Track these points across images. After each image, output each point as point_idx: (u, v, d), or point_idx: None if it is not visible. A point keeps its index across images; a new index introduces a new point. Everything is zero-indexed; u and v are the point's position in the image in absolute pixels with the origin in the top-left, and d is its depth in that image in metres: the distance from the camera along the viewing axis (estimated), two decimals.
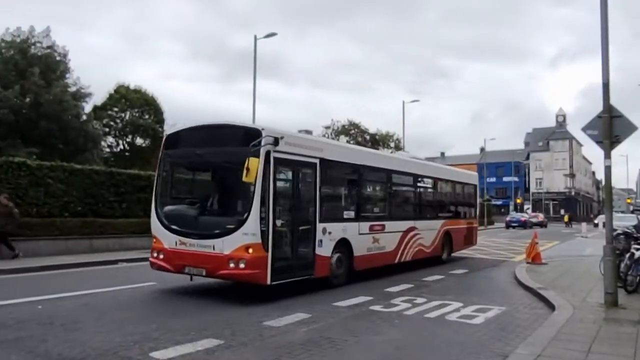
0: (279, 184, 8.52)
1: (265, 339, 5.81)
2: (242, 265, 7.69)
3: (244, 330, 6.18)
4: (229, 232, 7.83)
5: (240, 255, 7.70)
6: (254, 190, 7.74)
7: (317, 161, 9.20)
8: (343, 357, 5.27)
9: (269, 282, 7.88)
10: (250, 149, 7.65)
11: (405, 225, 12.66)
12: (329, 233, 9.43)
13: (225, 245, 7.81)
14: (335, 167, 9.91)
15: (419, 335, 6.38)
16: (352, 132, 54.78)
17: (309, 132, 13.22)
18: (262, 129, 8.02)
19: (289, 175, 8.68)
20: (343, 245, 9.97)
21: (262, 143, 7.85)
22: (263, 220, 7.81)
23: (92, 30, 58.95)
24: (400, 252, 12.31)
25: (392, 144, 54.54)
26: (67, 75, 31.92)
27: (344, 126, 54.29)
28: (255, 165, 7.57)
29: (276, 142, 8.03)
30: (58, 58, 31.42)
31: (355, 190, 10.77)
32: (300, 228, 8.80)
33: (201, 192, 9.57)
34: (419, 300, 8.50)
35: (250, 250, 7.70)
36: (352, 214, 10.46)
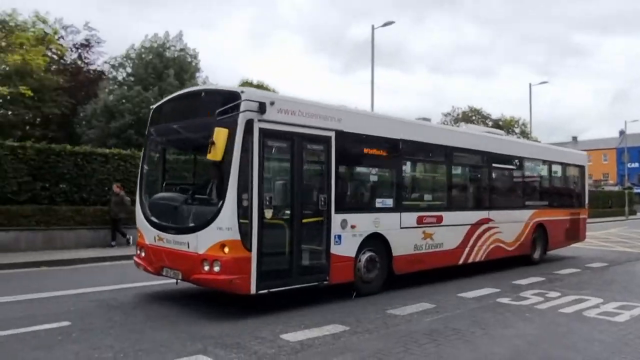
0: (270, 163, 6.62)
1: (390, 327, 5.88)
2: (216, 269, 5.95)
3: (368, 317, 6.29)
4: (203, 225, 6.14)
5: (214, 256, 5.98)
6: (230, 171, 5.94)
7: (332, 134, 7.09)
8: (472, 349, 5.10)
9: (252, 290, 6.05)
10: (215, 118, 5.86)
11: (474, 216, 9.95)
12: (352, 227, 7.30)
13: (199, 243, 6.14)
14: (361, 142, 7.70)
15: (553, 330, 5.97)
16: (473, 118, 51.11)
17: (427, 119, 11.45)
18: (241, 92, 6.16)
19: (287, 152, 6.69)
20: (376, 242, 7.78)
21: (241, 109, 6.00)
22: (244, 210, 6.00)
23: (219, 31, 62.88)
24: (466, 250, 9.67)
25: (517, 130, 49.95)
26: (197, 75, 33.47)
27: (464, 112, 50.91)
28: (222, 138, 5.76)
29: (262, 108, 6.11)
30: (189, 59, 33.21)
31: (394, 172, 8.40)
32: (305, 220, 6.80)
33: (196, 177, 8.04)
34: (552, 294, 8.07)
35: (226, 249, 5.93)
36: (389, 202, 8.14)
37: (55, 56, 25.75)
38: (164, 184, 7.63)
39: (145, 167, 7.51)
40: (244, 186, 5.98)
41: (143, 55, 31.24)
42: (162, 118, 7.34)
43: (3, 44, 17.22)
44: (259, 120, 6.14)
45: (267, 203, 6.20)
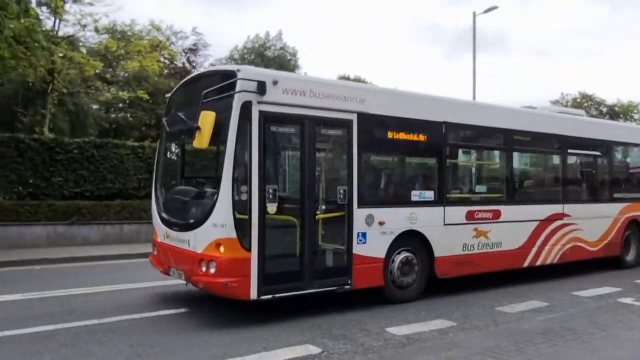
0: (275, 151, 5.87)
1: (500, 325, 5.67)
2: (212, 270, 5.31)
3: (475, 313, 6.13)
4: (200, 221, 5.54)
5: (210, 256, 5.34)
6: (225, 160, 5.26)
7: (354, 117, 6.14)
8: (592, 351, 4.75)
9: (252, 296, 5.32)
10: (201, 100, 5.20)
11: (544, 210, 8.38)
12: (380, 223, 6.31)
13: (197, 241, 5.54)
14: (391, 125, 6.61)
15: None
16: (585, 104, 47.23)
17: (532, 107, 10.39)
18: (237, 70, 5.44)
19: (296, 138, 5.86)
20: (414, 241, 6.70)
21: (237, 89, 5.29)
22: (241, 204, 5.30)
23: (318, 27, 63.76)
24: (533, 250, 8.16)
25: (636, 116, 45.17)
26: (297, 72, 34.63)
27: (574, 99, 47.04)
28: (208, 123, 5.08)
29: (261, 88, 5.35)
30: (289, 57, 34.28)
31: (435, 161, 7.18)
32: (321, 216, 5.94)
33: (212, 169, 7.50)
34: None
35: (222, 249, 5.27)
36: (429, 194, 6.98)
37: (167, 61, 27.10)
38: (182, 177, 7.19)
39: (161, 159, 7.10)
40: (241, 178, 5.28)
41: (245, 56, 32.49)
42: (173, 106, 6.87)
43: (122, 52, 18.29)
44: (259, 102, 5.38)
45: (271, 197, 5.44)
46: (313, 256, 5.79)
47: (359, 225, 6.12)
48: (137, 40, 20.22)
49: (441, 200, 7.04)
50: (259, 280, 5.33)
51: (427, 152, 7.21)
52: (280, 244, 5.68)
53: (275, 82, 5.50)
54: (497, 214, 7.71)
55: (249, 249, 5.27)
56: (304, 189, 5.74)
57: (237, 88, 5.27)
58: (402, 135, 6.73)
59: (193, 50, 31.67)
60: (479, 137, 7.93)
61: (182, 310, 6.09)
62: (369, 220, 6.21)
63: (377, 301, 6.47)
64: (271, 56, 32.11)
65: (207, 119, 5.06)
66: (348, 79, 40.85)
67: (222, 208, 5.22)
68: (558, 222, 8.58)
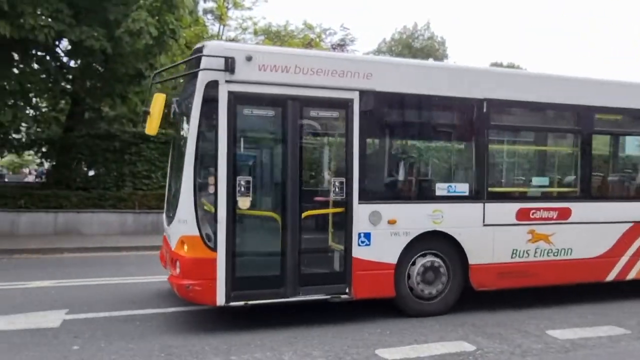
0: (250, 137, 5.13)
1: None
2: (177, 271, 4.82)
3: None
4: (173, 216, 5.07)
5: (177, 254, 4.84)
6: (186, 148, 4.69)
7: (355, 96, 5.13)
8: None
9: (219, 302, 4.66)
10: (152, 80, 4.64)
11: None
12: (390, 222, 5.23)
13: (172, 237, 5.10)
14: (407, 104, 5.45)
15: None
16: None
17: None
18: (203, 46, 4.79)
19: (278, 122, 5.02)
20: (441, 243, 5.50)
21: (201, 67, 4.66)
22: (206, 198, 4.70)
23: (466, 15, 61.83)
24: (622, 261, 6.29)
25: None
26: (445, 61, 34.67)
27: None
28: (157, 106, 4.53)
29: (229, 65, 4.63)
30: (437, 47, 34.21)
31: (471, 146, 5.76)
32: (309, 213, 5.09)
33: None
34: None
35: (185, 248, 4.73)
36: (462, 188, 5.65)
37: None
38: None
39: (174, 147, 6.81)
40: (206, 168, 4.67)
41: (393, 48, 32.94)
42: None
43: None
44: (229, 82, 4.68)
45: (243, 189, 4.74)
46: (298, 259, 4.96)
47: (361, 223, 5.13)
48: (290, 40, 21.57)
49: (479, 194, 5.67)
50: (228, 284, 4.68)
51: (460, 136, 5.85)
52: (256, 243, 5.00)
53: (249, 58, 4.75)
54: (565, 213, 6.03)
55: (214, 249, 4.64)
56: (287, 180, 4.92)
57: (201, 66, 4.64)
58: (422, 116, 5.52)
59: (341, 45, 32.17)
60: (540, 116, 6.26)
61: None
62: (375, 218, 5.18)
63: (536, 301, 6.09)
64: (419, 47, 31.97)
65: (156, 102, 4.53)
66: (500, 65, 38.19)
67: (184, 202, 4.68)
68: None
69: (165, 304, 5.75)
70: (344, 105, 5.10)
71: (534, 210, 5.91)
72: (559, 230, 5.99)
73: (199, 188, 4.66)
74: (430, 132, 5.76)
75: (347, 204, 5.10)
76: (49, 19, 10.11)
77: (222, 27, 20.64)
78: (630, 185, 6.83)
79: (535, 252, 5.91)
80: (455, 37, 59.30)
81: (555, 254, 6.01)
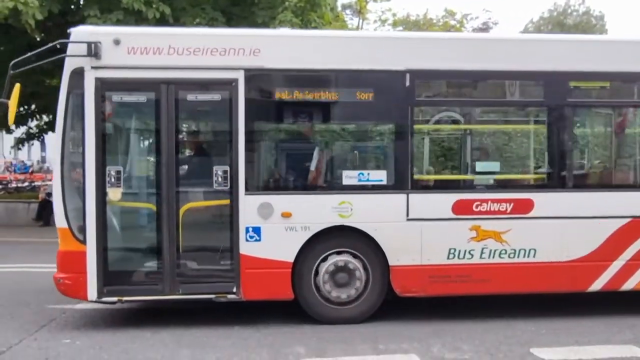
0: (121, 125, 4.87)
1: None
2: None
3: None
4: None
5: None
6: (55, 139, 4.59)
7: (240, 75, 4.61)
8: None
9: (91, 296, 4.50)
10: (10, 69, 4.54)
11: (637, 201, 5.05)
12: (283, 215, 4.66)
13: None
14: (304, 82, 4.78)
15: None
16: None
17: None
18: (69, 31, 4.63)
19: (150, 108, 4.68)
20: (353, 241, 4.80)
21: (67, 53, 4.51)
22: (75, 189, 4.57)
23: None
24: (614, 265, 5.00)
25: None
26: None
27: None
28: (14, 96, 4.43)
29: (94, 50, 4.43)
30: (594, 22, 32.69)
31: (386, 126, 4.92)
32: (189, 205, 4.71)
33: None
34: None
35: (60, 240, 4.65)
36: (377, 176, 4.84)
37: None
38: None
39: None
40: (74, 158, 4.56)
41: (542, 28, 31.53)
42: None
43: None
44: (95, 68, 4.49)
45: (113, 180, 4.53)
46: (177, 254, 4.64)
47: (248, 217, 4.64)
48: (430, 28, 21.51)
49: (401, 184, 4.83)
50: (99, 279, 4.51)
51: (375, 115, 5.01)
52: (131, 237, 4.76)
53: (117, 42, 4.51)
54: (524, 206, 4.92)
55: (83, 242, 4.50)
56: (163, 170, 4.60)
57: (67, 52, 4.51)
58: (324, 96, 4.81)
59: (483, 29, 31.48)
60: (488, 88, 5.15)
61: None
62: (266, 210, 4.65)
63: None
64: (572, 24, 30.19)
65: (14, 92, 4.47)
66: None
67: (55, 194, 4.60)
68: None
69: None
70: (227, 86, 4.63)
71: (478, 203, 4.89)
72: (516, 227, 4.90)
73: (69, 179, 4.56)
74: (336, 112, 5.02)
75: (232, 195, 4.64)
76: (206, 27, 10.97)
77: (361, 21, 21.51)
78: (623, 171, 5.37)
79: (483, 253, 4.90)
80: (615, 10, 52.02)
81: (512, 255, 4.93)
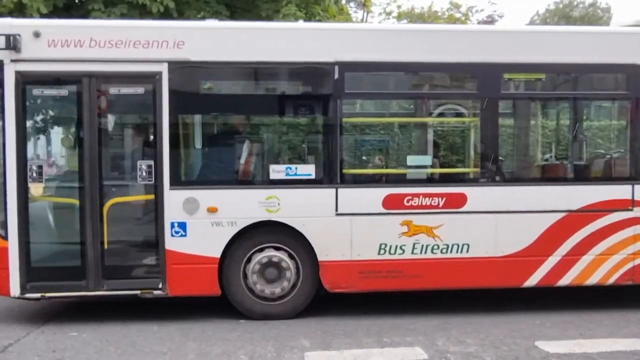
0: (43, 119, 4.79)
1: None
2: None
3: None
4: None
5: None
6: None
7: (164, 68, 4.54)
8: None
9: (13, 292, 4.49)
10: None
11: (579, 195, 4.98)
12: (209, 210, 4.63)
13: None
14: (233, 73, 4.74)
15: None
16: None
17: None
18: None
19: (72, 102, 4.65)
20: (282, 236, 4.76)
21: None
22: None
23: None
24: (549, 261, 4.96)
25: None
26: None
27: None
28: None
29: (12, 43, 4.36)
30: (600, 15, 32.45)
31: (314, 120, 4.87)
32: (115, 200, 4.68)
33: None
34: None
35: None
36: (305, 170, 4.79)
37: None
38: None
39: None
40: None
41: (548, 20, 31.32)
42: None
43: None
44: (15, 61, 4.43)
45: (35, 175, 4.50)
46: (101, 250, 4.61)
47: (174, 212, 4.60)
48: (435, 21, 21.76)
49: (330, 178, 4.77)
50: (22, 274, 4.49)
51: (303, 109, 4.94)
52: (54, 232, 4.72)
53: (37, 34, 4.44)
54: (456, 200, 4.87)
55: (5, 237, 4.48)
56: (86, 164, 4.56)
57: None
58: (251, 88, 4.76)
59: (488, 22, 31.16)
60: (418, 80, 5.07)
61: None
62: (191, 205, 4.61)
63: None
64: (578, 16, 30.01)
65: None
66: None
67: None
68: (621, 215, 4.98)
69: None
70: (151, 79, 4.57)
71: (409, 197, 4.84)
72: (449, 221, 4.85)
73: None
74: (262, 105, 4.96)
75: (157, 190, 4.60)
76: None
77: (365, 13, 21.72)
78: (558, 165, 5.30)
79: (415, 248, 4.86)
80: (622, 2, 51.04)
81: (444, 250, 4.89)
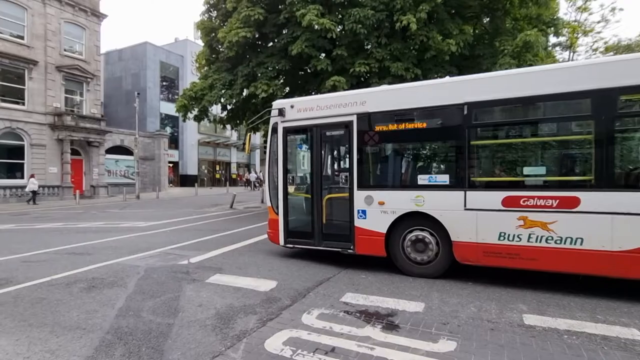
0: (293, 150, 8.31)
1: None
2: None
3: None
4: None
5: None
6: None
7: (354, 118, 7.42)
8: None
9: (281, 243, 8.28)
10: None
11: None
12: (379, 203, 7.21)
13: None
14: (394, 118, 7.13)
15: None
16: None
17: None
18: (272, 103, 8.42)
19: (309, 140, 8.00)
20: (427, 222, 6.92)
21: (271, 114, 8.35)
22: (274, 185, 8.43)
23: None
24: None
25: None
26: None
27: None
28: (248, 139, 8.71)
29: (281, 112, 8.17)
30: None
31: (453, 143, 6.67)
32: (327, 195, 7.88)
33: None
34: None
35: (269, 214, 8.53)
36: (443, 178, 6.73)
37: None
38: None
39: None
40: (272, 169, 8.38)
41: None
42: None
43: None
44: (283, 122, 8.21)
45: (290, 181, 8.16)
46: (321, 224, 7.88)
47: (359, 203, 7.37)
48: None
49: (460, 183, 6.61)
50: (284, 234, 8.22)
51: (441, 136, 6.91)
52: (299, 213, 8.21)
53: (292, 106, 8.11)
54: (569, 202, 5.93)
55: (277, 214, 8.28)
56: (314, 176, 7.94)
57: (271, 114, 8.33)
58: (403, 125, 7.08)
59: None
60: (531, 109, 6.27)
61: None
62: (369, 200, 7.28)
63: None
64: None
65: (247, 138, 8.63)
66: None
67: (265, 189, 8.51)
68: None
69: None
70: (348, 125, 7.52)
71: (525, 198, 6.12)
72: (563, 219, 5.93)
73: (272, 181, 8.39)
74: (412, 135, 7.09)
75: (350, 190, 7.47)
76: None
77: (572, 53, 23.35)
78: None
79: (530, 238, 6.10)
80: None
81: (558, 242, 5.97)
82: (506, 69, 11.81)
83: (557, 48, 22.96)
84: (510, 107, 6.39)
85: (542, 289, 6.06)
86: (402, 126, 7.16)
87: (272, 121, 8.32)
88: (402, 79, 13.40)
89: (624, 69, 5.67)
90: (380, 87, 7.66)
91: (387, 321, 4.91)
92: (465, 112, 6.54)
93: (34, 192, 25.78)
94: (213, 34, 18.16)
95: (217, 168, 51.09)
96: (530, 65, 12.61)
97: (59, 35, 29.26)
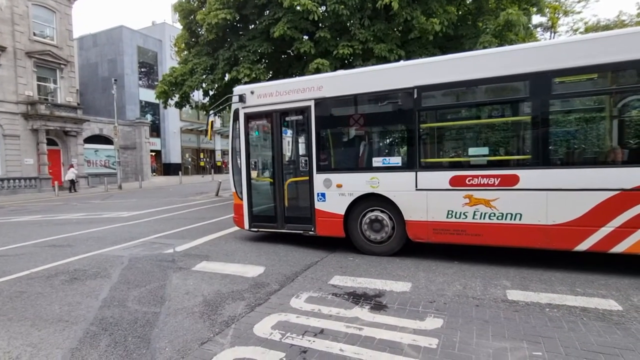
0: (255, 135, 8.43)
1: None
2: None
3: None
4: None
5: None
6: None
7: (312, 104, 7.31)
8: None
9: (245, 227, 8.39)
10: None
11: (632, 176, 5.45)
12: (337, 186, 7.32)
13: None
14: (354, 101, 7.08)
15: None
16: None
17: None
18: (233, 89, 8.53)
19: (269, 125, 8.12)
20: (382, 203, 6.92)
21: (233, 100, 8.29)
22: (238, 169, 8.53)
23: None
24: (601, 231, 5.59)
25: None
26: None
27: None
28: (210, 124, 9.08)
29: (242, 99, 8.14)
30: None
31: (404, 126, 6.67)
32: (289, 180, 8.05)
33: None
34: None
35: (234, 200, 8.69)
36: (396, 160, 6.77)
37: None
38: None
39: None
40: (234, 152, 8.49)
41: None
42: None
43: None
44: (243, 107, 8.20)
45: (253, 166, 8.27)
46: (283, 208, 7.99)
47: (318, 187, 7.45)
48: (620, 28, 23.27)
49: (411, 165, 6.67)
50: (249, 219, 8.29)
51: (391, 120, 6.90)
52: (262, 197, 8.31)
53: (252, 92, 8.07)
54: (509, 180, 6.04)
55: (241, 199, 8.34)
56: (275, 160, 7.95)
57: (232, 100, 8.27)
58: (358, 110, 7.05)
59: None
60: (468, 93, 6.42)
61: None
62: (327, 183, 7.37)
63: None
64: None
65: (209, 124, 8.78)
66: None
67: (230, 173, 8.61)
68: None
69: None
70: (306, 110, 7.52)
71: (469, 177, 6.27)
72: (504, 196, 6.07)
73: (235, 165, 8.44)
74: (368, 120, 7.33)
75: (310, 174, 7.51)
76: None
77: (553, 34, 23.72)
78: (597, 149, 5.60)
79: (475, 215, 6.25)
80: None
81: (500, 217, 6.13)
82: (486, 47, 11.80)
83: (539, 29, 23.50)
84: (456, 91, 6.49)
85: (525, 265, 6.21)
86: (357, 110, 7.21)
87: (233, 107, 8.24)
88: (385, 60, 13.37)
89: (557, 52, 5.77)
90: (336, 72, 7.59)
91: (375, 302, 4.95)
92: (415, 95, 6.60)
93: (72, 181, 27.11)
94: (192, 16, 17.76)
95: (202, 156, 50.58)
96: (511, 43, 12.73)
97: (27, 18, 28.20)
